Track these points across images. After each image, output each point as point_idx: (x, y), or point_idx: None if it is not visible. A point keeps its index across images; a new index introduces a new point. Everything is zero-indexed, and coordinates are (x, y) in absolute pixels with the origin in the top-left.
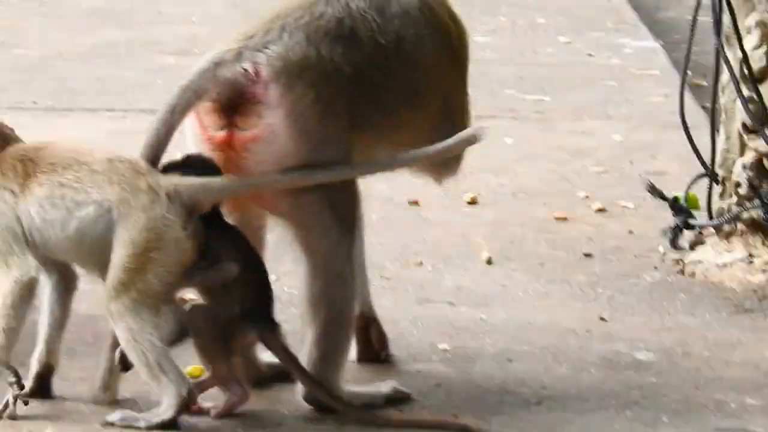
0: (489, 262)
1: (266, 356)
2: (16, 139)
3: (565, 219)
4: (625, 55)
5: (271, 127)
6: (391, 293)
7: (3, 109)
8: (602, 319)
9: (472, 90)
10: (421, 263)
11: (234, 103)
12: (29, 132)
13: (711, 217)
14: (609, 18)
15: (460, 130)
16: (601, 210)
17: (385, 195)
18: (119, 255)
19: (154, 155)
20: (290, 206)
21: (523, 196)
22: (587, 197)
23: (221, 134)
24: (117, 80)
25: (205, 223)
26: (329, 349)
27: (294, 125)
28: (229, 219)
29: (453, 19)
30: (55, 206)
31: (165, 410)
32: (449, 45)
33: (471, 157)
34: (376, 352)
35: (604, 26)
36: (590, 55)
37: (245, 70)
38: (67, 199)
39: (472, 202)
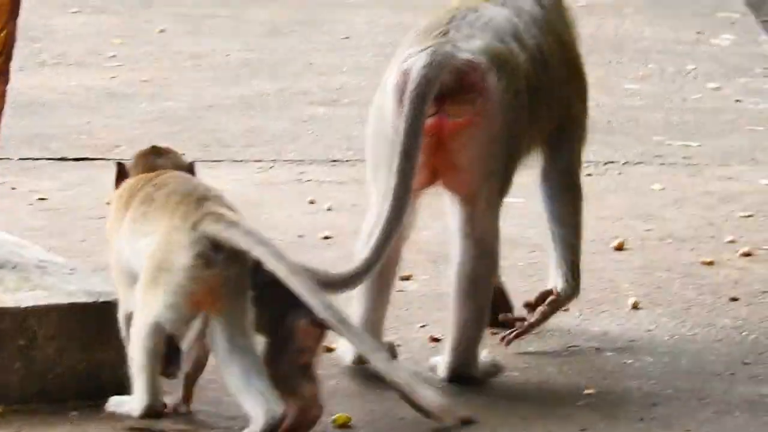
0: (635, 306)
1: None
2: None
3: (711, 263)
4: None
5: (485, 113)
6: (537, 338)
7: None
8: (746, 363)
9: (620, 136)
10: (567, 309)
11: (446, 91)
12: None
13: None
14: (758, 64)
15: (577, 141)
16: (747, 254)
17: (533, 241)
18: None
19: (412, 149)
20: (481, 188)
21: (670, 241)
22: (734, 241)
23: (431, 120)
24: (266, 131)
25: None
26: (482, 326)
27: (502, 112)
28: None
29: (572, 34)
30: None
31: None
32: (570, 57)
33: (618, 203)
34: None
35: (752, 72)
36: (738, 100)
37: (467, 59)
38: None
39: (619, 247)
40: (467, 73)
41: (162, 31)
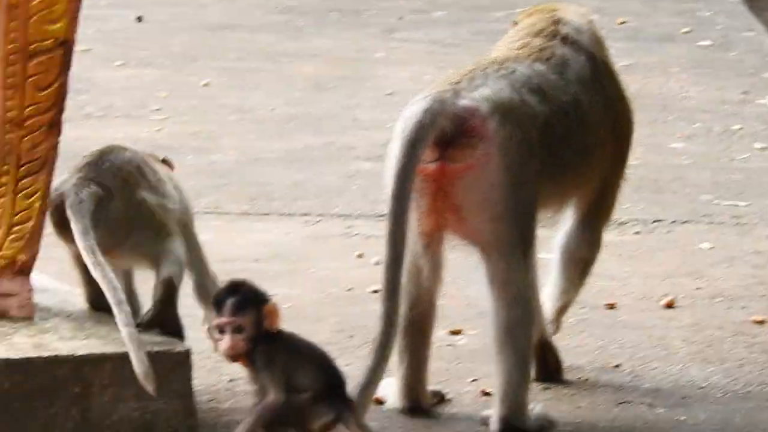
0: (686, 364)
1: None
2: None
3: (762, 322)
4: None
5: (485, 158)
6: (589, 395)
7: (200, 214)
8: None
9: (668, 195)
10: (618, 366)
11: (448, 138)
12: (224, 236)
13: None
14: None
15: (609, 209)
16: None
17: (581, 297)
18: None
19: (401, 192)
20: (491, 235)
21: (720, 299)
22: None
23: (434, 166)
24: (313, 185)
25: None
26: (525, 374)
27: (504, 158)
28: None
29: (621, 99)
30: None
31: None
32: (614, 118)
33: (667, 261)
34: (550, 372)
35: None
36: None
37: (467, 105)
38: None
39: (669, 305)
40: (466, 119)
41: (206, 84)
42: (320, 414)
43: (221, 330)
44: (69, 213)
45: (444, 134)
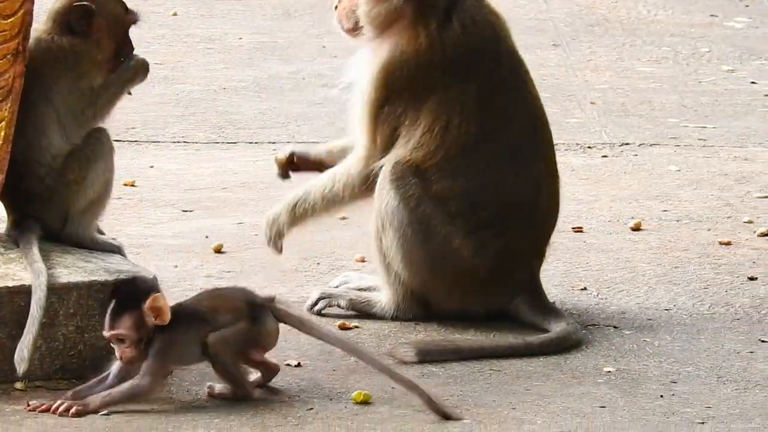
0: (652, 286)
1: None
2: None
3: (729, 243)
4: None
5: None
6: None
7: (167, 143)
8: (764, 341)
9: (635, 119)
10: (585, 289)
11: None
12: (192, 165)
13: None
14: None
15: None
16: (764, 234)
17: None
18: None
19: None
20: None
21: (687, 221)
22: (750, 222)
23: None
24: (280, 113)
25: None
26: None
27: None
28: None
29: None
30: None
31: None
32: None
33: (635, 184)
34: None
35: (767, 54)
36: (753, 82)
37: None
38: None
39: (636, 228)
40: None
41: (174, 14)
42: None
43: (108, 340)
44: None
45: None
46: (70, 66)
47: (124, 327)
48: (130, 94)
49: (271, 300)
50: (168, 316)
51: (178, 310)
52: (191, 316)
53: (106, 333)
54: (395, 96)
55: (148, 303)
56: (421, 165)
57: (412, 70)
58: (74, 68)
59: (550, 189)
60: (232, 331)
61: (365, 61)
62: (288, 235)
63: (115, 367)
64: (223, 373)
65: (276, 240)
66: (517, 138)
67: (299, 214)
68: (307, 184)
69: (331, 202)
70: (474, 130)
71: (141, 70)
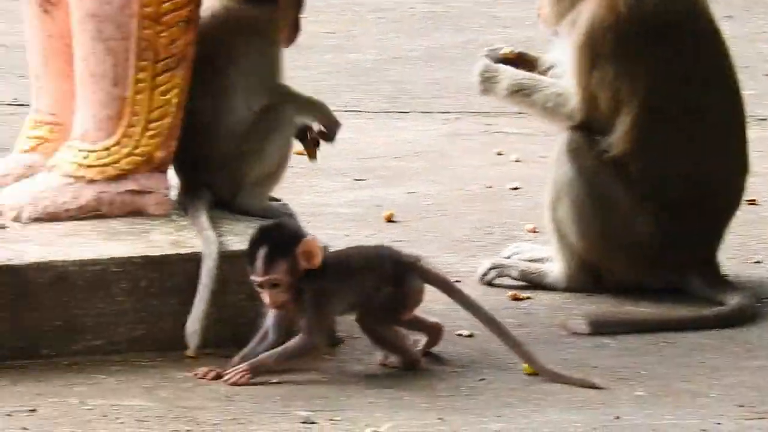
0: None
1: None
2: None
3: None
4: None
5: None
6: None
7: (339, 112)
8: None
9: None
10: (759, 261)
11: None
12: (364, 134)
13: None
14: None
15: None
16: None
17: None
18: None
19: None
20: None
21: None
22: None
23: None
24: (452, 83)
25: None
26: None
27: None
28: None
29: None
30: None
31: None
32: None
33: None
34: None
35: None
36: None
37: None
38: None
39: None
40: None
41: None
42: (404, 289)
43: (260, 285)
44: None
45: None
46: (260, 33)
47: (280, 271)
48: None
49: (417, 260)
50: (319, 260)
51: (325, 261)
52: (338, 267)
53: (258, 278)
54: (603, 61)
55: (301, 247)
56: (606, 136)
57: (610, 39)
58: (263, 35)
59: (743, 175)
60: (378, 302)
61: (563, 39)
62: (493, 93)
63: (271, 319)
64: (382, 344)
65: (487, 85)
66: (718, 116)
67: (515, 98)
68: (536, 79)
69: (543, 114)
70: (674, 103)
71: None
